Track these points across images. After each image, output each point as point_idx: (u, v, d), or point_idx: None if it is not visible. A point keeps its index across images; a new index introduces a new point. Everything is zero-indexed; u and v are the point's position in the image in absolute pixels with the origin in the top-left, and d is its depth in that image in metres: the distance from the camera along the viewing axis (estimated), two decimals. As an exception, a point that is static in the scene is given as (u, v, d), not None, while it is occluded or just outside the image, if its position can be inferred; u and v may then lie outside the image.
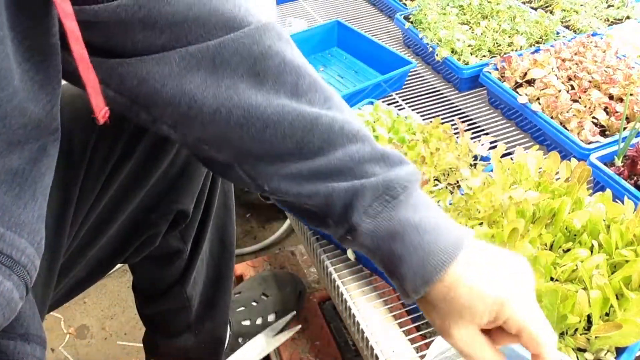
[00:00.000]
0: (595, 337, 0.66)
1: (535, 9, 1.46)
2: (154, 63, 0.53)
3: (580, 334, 0.68)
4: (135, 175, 0.78)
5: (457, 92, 1.32)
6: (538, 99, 1.11)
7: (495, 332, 0.56)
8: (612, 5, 1.48)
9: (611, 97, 1.10)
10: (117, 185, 0.77)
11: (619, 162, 0.96)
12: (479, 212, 0.79)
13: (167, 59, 0.52)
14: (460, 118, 1.19)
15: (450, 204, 0.83)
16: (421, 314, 0.82)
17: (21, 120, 0.47)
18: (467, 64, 1.26)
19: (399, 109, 1.24)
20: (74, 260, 0.79)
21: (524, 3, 1.50)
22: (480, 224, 0.78)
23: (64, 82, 0.54)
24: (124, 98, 0.56)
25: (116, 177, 0.76)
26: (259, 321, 1.15)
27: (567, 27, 1.41)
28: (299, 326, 0.76)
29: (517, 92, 1.14)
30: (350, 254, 0.85)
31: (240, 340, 1.12)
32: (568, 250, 0.75)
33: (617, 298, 0.67)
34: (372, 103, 1.14)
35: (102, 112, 0.49)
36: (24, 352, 0.59)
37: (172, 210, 0.84)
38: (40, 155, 0.51)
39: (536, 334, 0.52)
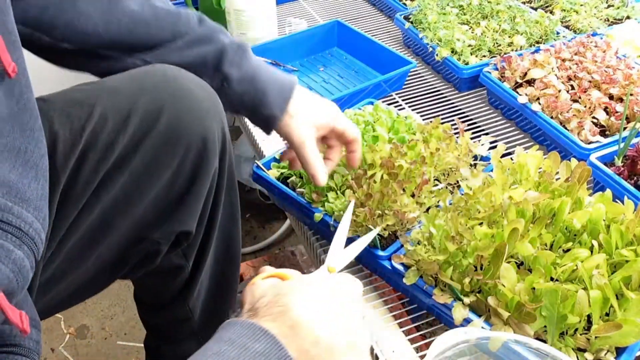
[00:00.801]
0: (595, 337, 0.66)
1: (535, 9, 1.46)
2: None
3: (580, 334, 0.68)
4: (130, 189, 0.77)
5: (457, 92, 1.32)
6: (538, 99, 1.11)
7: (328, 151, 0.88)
8: (612, 5, 1.48)
9: (611, 97, 1.10)
10: (110, 197, 0.76)
11: (619, 162, 0.96)
12: (479, 212, 0.79)
13: None
14: (460, 118, 1.19)
15: (450, 204, 0.83)
16: (421, 314, 0.83)
17: None
18: (467, 64, 1.26)
19: (399, 109, 1.24)
20: (69, 265, 0.79)
21: (524, 3, 1.50)
22: (480, 224, 0.78)
23: (55, 90, 0.60)
24: (27, 28, 0.74)
25: (108, 188, 0.76)
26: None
27: (567, 27, 1.41)
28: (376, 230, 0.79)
29: (517, 92, 1.14)
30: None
31: None
32: (568, 250, 0.75)
33: (617, 298, 0.67)
34: (372, 103, 1.14)
35: (11, 67, 0.55)
36: (20, 334, 0.60)
37: (175, 231, 0.84)
38: (39, 135, 0.55)
39: (354, 126, 0.86)
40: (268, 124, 0.84)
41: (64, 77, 0.90)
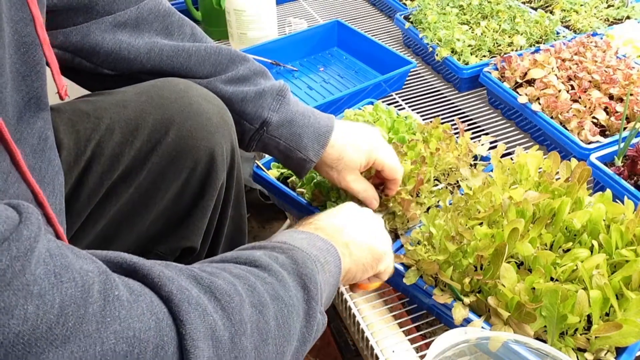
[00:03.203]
0: (595, 337, 0.66)
1: (535, 9, 1.46)
2: (94, 25, 0.74)
3: (580, 334, 0.68)
4: (136, 203, 0.77)
5: (457, 92, 1.32)
6: (538, 99, 1.11)
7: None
8: (612, 5, 1.48)
9: (611, 97, 1.10)
10: (115, 210, 0.76)
11: (619, 162, 0.96)
12: (479, 212, 0.79)
13: (102, 21, 0.74)
14: (460, 118, 1.19)
15: (450, 204, 0.83)
16: (421, 314, 0.83)
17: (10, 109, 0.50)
18: (467, 64, 1.26)
19: (399, 109, 1.24)
20: None
21: (524, 3, 1.50)
22: (480, 224, 0.78)
23: (59, 101, 0.60)
24: (66, 54, 0.75)
25: (113, 201, 0.76)
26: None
27: (567, 27, 1.41)
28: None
29: (517, 92, 1.14)
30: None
31: None
32: (568, 250, 0.75)
33: (617, 298, 0.67)
34: (372, 103, 1.14)
35: (63, 88, 0.59)
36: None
37: (180, 247, 0.84)
38: (50, 154, 0.56)
39: (394, 165, 0.83)
40: (302, 169, 0.83)
41: (71, 88, 0.89)
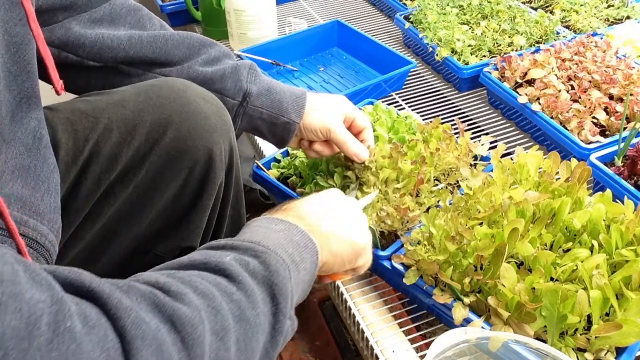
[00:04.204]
0: (595, 337, 0.66)
1: (535, 9, 1.46)
2: (74, 21, 0.79)
3: (580, 334, 0.68)
4: (134, 203, 0.77)
5: (457, 92, 1.32)
6: (538, 99, 1.11)
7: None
8: (612, 5, 1.48)
9: (611, 97, 1.10)
10: (113, 209, 0.76)
11: (619, 162, 0.96)
12: (479, 212, 0.79)
13: (80, 18, 0.79)
14: (460, 118, 1.19)
15: (450, 204, 0.83)
16: (421, 314, 0.83)
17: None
18: (467, 64, 1.26)
19: (399, 109, 1.24)
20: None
21: (524, 3, 1.50)
22: (480, 224, 0.78)
23: (58, 101, 0.61)
24: (53, 48, 0.77)
25: (111, 201, 0.76)
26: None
27: (567, 27, 1.41)
28: (376, 191, 0.86)
29: (517, 92, 1.14)
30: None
31: None
32: (568, 250, 0.75)
33: (617, 298, 0.67)
34: (372, 103, 1.14)
35: (59, 83, 0.59)
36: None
37: (179, 246, 0.83)
38: (45, 152, 0.56)
39: (361, 114, 0.89)
40: (287, 132, 0.87)
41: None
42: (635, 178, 0.93)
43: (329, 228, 0.64)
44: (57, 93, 0.60)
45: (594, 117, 1.05)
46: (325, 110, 0.87)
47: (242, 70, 0.87)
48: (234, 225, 0.90)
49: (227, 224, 0.89)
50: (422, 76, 1.38)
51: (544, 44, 1.32)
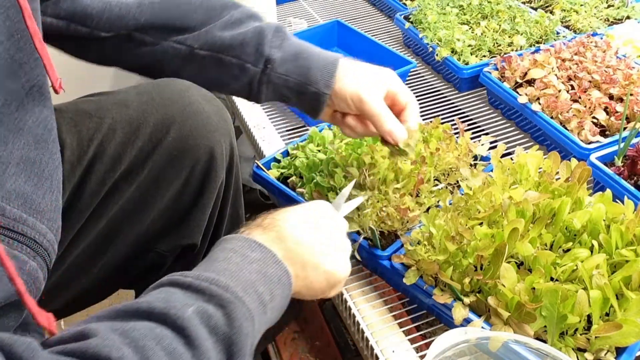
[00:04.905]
0: (595, 337, 0.66)
1: (535, 9, 1.46)
2: None
3: (580, 334, 0.68)
4: (136, 202, 0.77)
5: (457, 92, 1.32)
6: (538, 99, 1.11)
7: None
8: (612, 5, 1.48)
9: (611, 97, 1.10)
10: (116, 208, 0.76)
11: (619, 162, 0.96)
12: (479, 212, 0.79)
13: None
14: (460, 118, 1.19)
15: (450, 204, 0.83)
16: (421, 314, 0.83)
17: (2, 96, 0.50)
18: (467, 64, 1.26)
19: (399, 109, 1.24)
20: (74, 273, 0.79)
21: (524, 3, 1.50)
22: (480, 224, 0.78)
23: (65, 100, 0.60)
24: (61, 21, 0.74)
25: (114, 200, 0.76)
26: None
27: (567, 27, 1.41)
28: (364, 197, 0.79)
29: (517, 92, 1.14)
30: (355, 254, 0.85)
31: None
32: (568, 250, 0.75)
33: (617, 298, 0.67)
34: (372, 103, 1.14)
35: (58, 81, 0.57)
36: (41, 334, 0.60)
37: (181, 244, 0.84)
38: (53, 147, 0.56)
39: (406, 88, 0.79)
40: (317, 103, 0.78)
41: (74, 88, 0.90)
42: (635, 178, 0.93)
43: (307, 257, 0.60)
44: (56, 91, 0.58)
45: (594, 117, 1.05)
46: (361, 78, 0.76)
47: (265, 34, 0.78)
48: (232, 225, 0.90)
49: (227, 220, 0.89)
50: (422, 76, 1.38)
51: (544, 44, 1.32)
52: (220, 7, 0.79)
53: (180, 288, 0.50)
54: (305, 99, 0.78)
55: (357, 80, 0.76)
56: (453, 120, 1.15)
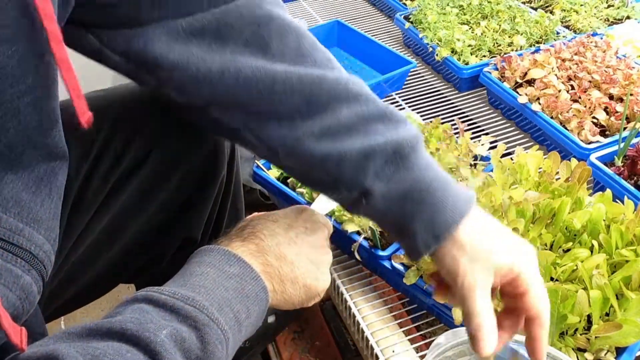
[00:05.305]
0: (595, 337, 0.66)
1: (535, 9, 1.46)
2: (161, 29, 0.55)
3: (580, 334, 0.68)
4: (139, 197, 0.77)
5: (457, 92, 1.32)
6: (538, 99, 1.11)
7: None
8: (612, 5, 1.48)
9: (611, 97, 1.10)
10: (119, 205, 0.76)
11: (619, 162, 0.96)
12: (479, 212, 0.79)
13: (173, 25, 0.55)
14: (460, 118, 1.19)
15: (450, 204, 0.83)
16: (421, 314, 0.83)
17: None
18: (467, 64, 1.26)
19: (399, 109, 1.24)
20: (76, 272, 0.79)
21: (524, 3, 1.50)
22: (480, 224, 0.78)
23: (62, 98, 0.57)
24: (130, 63, 0.57)
25: (117, 197, 0.76)
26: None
27: (567, 27, 1.41)
28: None
29: (517, 92, 1.14)
30: (355, 254, 0.85)
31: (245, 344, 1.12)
32: (568, 250, 0.75)
33: (617, 298, 0.67)
34: (372, 103, 1.14)
35: (85, 116, 0.50)
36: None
37: (180, 237, 0.84)
38: (54, 154, 0.54)
39: (542, 296, 0.55)
40: (413, 255, 0.59)
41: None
42: (635, 178, 0.93)
43: (288, 272, 0.58)
44: (81, 126, 0.50)
45: (594, 117, 1.05)
46: (470, 263, 0.55)
47: (376, 156, 0.57)
48: (232, 219, 0.90)
49: (227, 215, 0.89)
50: (422, 76, 1.38)
51: (544, 44, 1.32)
52: (330, 97, 0.57)
53: (154, 306, 0.49)
54: (400, 242, 0.62)
55: (468, 260, 0.55)
56: (453, 120, 1.15)
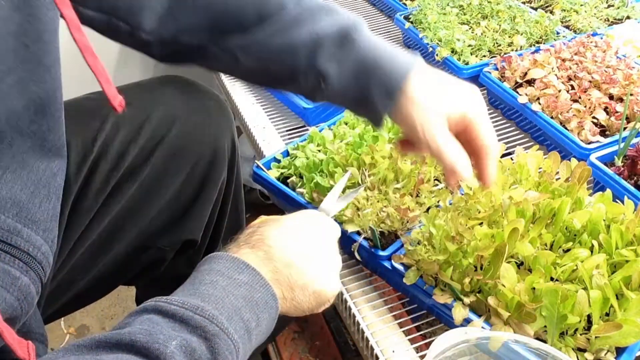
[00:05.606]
0: (595, 337, 0.66)
1: (535, 9, 1.46)
2: None
3: (580, 334, 0.68)
4: (139, 199, 0.77)
5: (457, 92, 1.32)
6: (538, 99, 1.11)
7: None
8: (612, 5, 1.48)
9: (611, 97, 1.10)
10: (119, 206, 0.76)
11: (619, 162, 0.96)
12: (479, 212, 0.79)
13: None
14: (460, 118, 1.19)
15: (450, 204, 0.83)
16: (421, 314, 0.83)
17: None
18: (467, 64, 1.26)
19: (399, 109, 1.24)
20: (76, 274, 0.78)
21: (524, 3, 1.50)
22: (480, 224, 0.78)
23: (67, 97, 0.58)
24: (103, 15, 0.65)
25: (118, 198, 0.76)
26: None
27: (567, 27, 1.41)
28: (362, 186, 0.76)
29: (517, 92, 1.14)
30: (355, 254, 0.85)
31: None
32: (568, 250, 0.75)
33: (617, 298, 0.67)
34: (372, 103, 1.14)
35: (117, 100, 0.53)
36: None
37: (181, 240, 0.84)
38: (52, 154, 0.54)
39: (491, 134, 0.66)
40: (375, 121, 0.69)
41: (76, 85, 0.88)
42: (635, 178, 0.93)
43: (297, 278, 0.59)
44: (116, 111, 0.53)
45: (594, 117, 1.05)
46: (422, 108, 0.64)
47: (323, 43, 0.65)
48: (232, 223, 0.90)
49: (228, 217, 0.89)
50: (422, 76, 1.38)
51: (544, 44, 1.32)
52: (277, 3, 0.66)
53: (164, 317, 0.49)
54: (362, 114, 0.70)
55: (418, 109, 0.64)
56: (453, 120, 1.15)
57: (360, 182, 0.86)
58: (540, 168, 0.86)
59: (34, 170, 0.52)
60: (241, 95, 1.32)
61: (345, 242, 0.84)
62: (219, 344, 0.49)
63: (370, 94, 0.65)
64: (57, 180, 0.56)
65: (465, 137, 0.66)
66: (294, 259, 0.59)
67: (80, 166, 0.72)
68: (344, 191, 0.78)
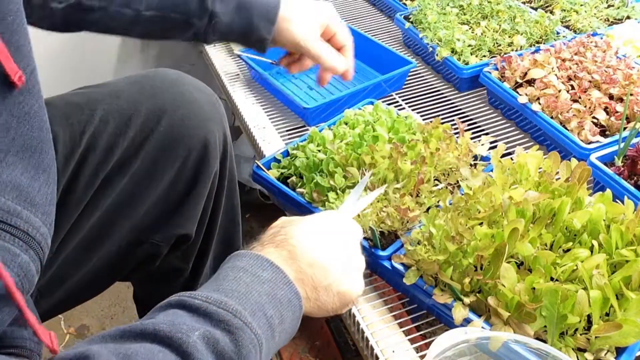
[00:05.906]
0: (595, 337, 0.66)
1: (535, 9, 1.46)
2: None
3: (580, 334, 0.68)
4: (130, 193, 0.77)
5: (457, 92, 1.32)
6: (538, 99, 1.11)
7: None
8: (612, 5, 1.48)
9: (611, 97, 1.10)
10: (110, 200, 0.76)
11: (619, 162, 0.96)
12: (479, 212, 0.79)
13: None
14: (460, 118, 1.19)
15: (450, 204, 0.83)
16: (421, 314, 0.83)
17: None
18: (467, 64, 1.26)
19: (399, 109, 1.24)
20: (69, 268, 0.78)
21: (524, 3, 1.50)
22: (480, 224, 0.78)
23: (55, 93, 0.58)
24: None
25: (108, 192, 0.75)
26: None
27: (567, 27, 1.41)
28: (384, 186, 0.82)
29: (517, 92, 1.14)
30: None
31: None
32: (568, 250, 0.75)
33: (617, 298, 0.67)
34: (372, 103, 1.14)
35: (17, 75, 0.51)
36: (21, 337, 0.59)
37: (174, 235, 0.83)
38: (49, 138, 0.54)
39: (345, 29, 0.90)
40: (260, 47, 0.86)
41: (64, 81, 0.89)
42: (635, 178, 0.93)
43: (320, 278, 0.59)
44: (14, 85, 0.51)
45: (594, 117, 1.05)
46: (298, 24, 0.85)
47: None
48: (227, 216, 0.90)
49: (222, 211, 0.89)
50: (422, 76, 1.38)
51: (544, 44, 1.32)
52: None
53: (187, 310, 0.50)
54: (249, 42, 0.86)
55: (294, 26, 0.84)
56: (453, 120, 1.15)
57: (375, 183, 0.87)
58: (540, 168, 0.86)
59: (36, 154, 0.52)
60: (241, 95, 1.32)
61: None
62: (242, 337, 0.49)
63: (254, 23, 0.82)
64: (54, 168, 0.56)
65: (329, 41, 0.87)
66: (317, 259, 0.59)
67: (68, 159, 0.72)
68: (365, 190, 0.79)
